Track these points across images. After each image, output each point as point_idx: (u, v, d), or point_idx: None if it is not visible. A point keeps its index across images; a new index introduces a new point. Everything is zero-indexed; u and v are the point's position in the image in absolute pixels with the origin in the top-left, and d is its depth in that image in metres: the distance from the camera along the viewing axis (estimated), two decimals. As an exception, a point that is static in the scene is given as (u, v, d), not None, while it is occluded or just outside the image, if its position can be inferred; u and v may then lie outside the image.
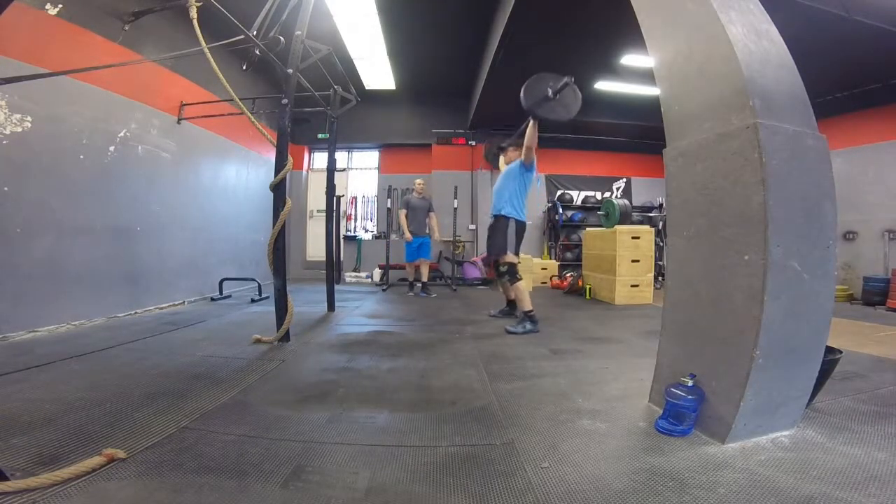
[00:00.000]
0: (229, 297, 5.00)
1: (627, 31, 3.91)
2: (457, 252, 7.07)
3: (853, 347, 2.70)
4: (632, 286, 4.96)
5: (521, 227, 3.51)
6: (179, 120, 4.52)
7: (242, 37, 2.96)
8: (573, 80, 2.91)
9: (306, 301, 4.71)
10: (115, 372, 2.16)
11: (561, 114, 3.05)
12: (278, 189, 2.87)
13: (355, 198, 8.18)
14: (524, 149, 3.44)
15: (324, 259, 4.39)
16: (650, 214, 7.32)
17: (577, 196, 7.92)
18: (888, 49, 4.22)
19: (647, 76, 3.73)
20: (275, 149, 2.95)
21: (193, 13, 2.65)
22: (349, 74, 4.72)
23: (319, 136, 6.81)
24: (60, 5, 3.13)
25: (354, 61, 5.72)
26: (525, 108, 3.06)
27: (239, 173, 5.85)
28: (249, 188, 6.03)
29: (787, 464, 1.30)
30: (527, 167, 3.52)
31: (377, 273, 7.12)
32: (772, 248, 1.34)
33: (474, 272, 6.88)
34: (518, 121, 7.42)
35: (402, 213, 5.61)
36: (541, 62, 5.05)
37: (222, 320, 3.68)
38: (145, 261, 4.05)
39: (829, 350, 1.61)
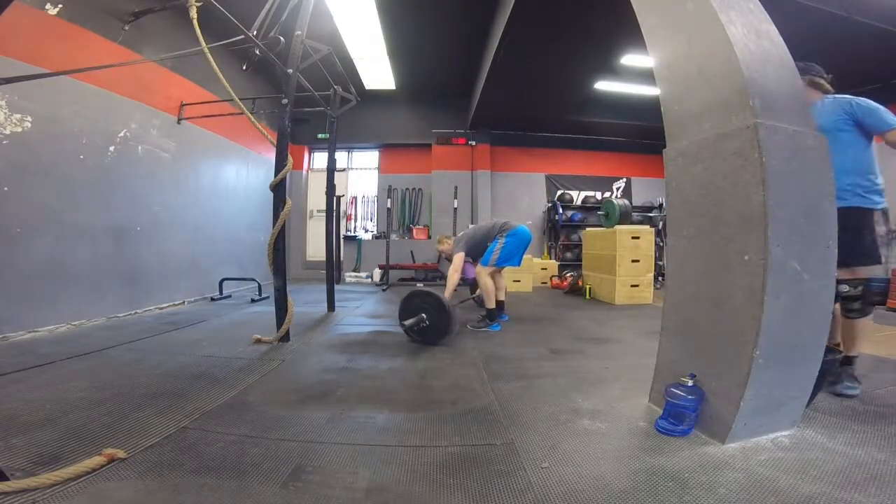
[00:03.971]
0: (229, 297, 5.00)
1: (627, 31, 3.90)
2: (457, 252, 7.06)
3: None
4: (632, 286, 4.96)
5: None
6: (179, 120, 4.52)
7: (242, 37, 2.96)
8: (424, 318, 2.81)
9: (306, 301, 4.71)
10: (115, 372, 2.16)
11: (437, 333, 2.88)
12: (278, 189, 2.87)
13: (355, 198, 8.17)
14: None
15: (324, 259, 4.39)
16: (650, 214, 7.32)
17: (577, 196, 7.92)
18: (888, 49, 4.22)
19: (647, 76, 3.72)
20: (275, 149, 2.95)
21: (193, 13, 2.65)
22: (349, 74, 4.72)
23: (319, 136, 6.83)
24: (60, 5, 3.13)
25: (354, 61, 5.72)
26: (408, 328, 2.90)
27: (239, 173, 5.85)
28: (249, 188, 6.03)
29: (787, 464, 1.30)
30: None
31: (377, 273, 7.12)
32: (772, 248, 1.34)
33: (473, 272, 6.89)
34: (519, 121, 7.44)
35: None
36: (541, 62, 5.08)
37: (222, 320, 3.68)
38: (145, 261, 4.04)
39: (829, 350, 1.61)
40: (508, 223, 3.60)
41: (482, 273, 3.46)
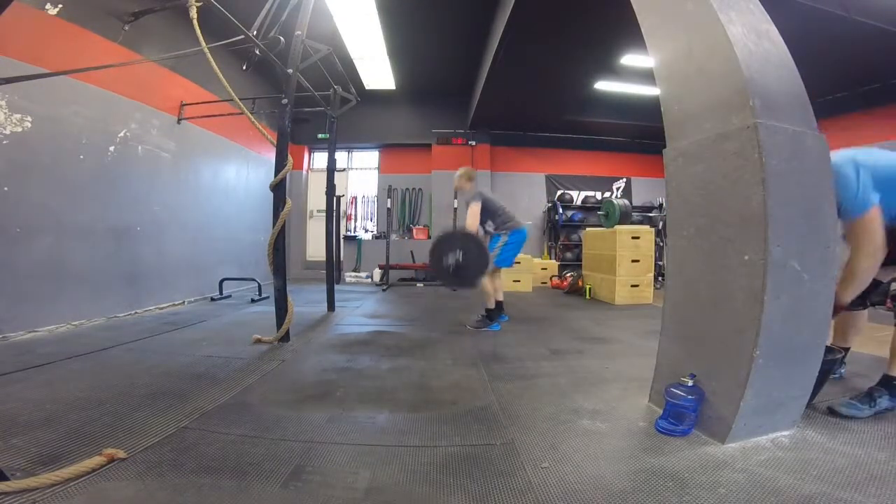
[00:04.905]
0: (229, 297, 5.00)
1: (627, 31, 3.91)
2: (457, 252, 7.06)
3: (853, 347, 2.70)
4: (632, 286, 4.96)
5: None
6: (179, 120, 4.52)
7: (242, 37, 2.96)
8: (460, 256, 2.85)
9: (306, 301, 4.71)
10: (115, 372, 2.16)
11: (475, 269, 2.96)
12: (278, 189, 2.87)
13: (355, 198, 8.17)
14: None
15: (324, 259, 4.39)
16: (650, 214, 7.32)
17: (577, 196, 7.92)
18: (888, 49, 4.22)
19: (647, 76, 3.73)
20: (275, 149, 2.95)
21: (193, 13, 2.65)
22: (349, 74, 4.72)
23: (319, 136, 6.82)
24: (60, 5, 3.13)
25: (354, 61, 5.72)
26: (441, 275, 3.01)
27: (239, 173, 5.85)
28: (249, 188, 6.03)
29: (787, 464, 1.30)
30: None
31: (377, 273, 7.11)
32: (772, 248, 1.34)
33: None
34: (519, 121, 7.45)
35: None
36: (541, 62, 5.08)
37: (222, 320, 3.68)
38: (145, 261, 4.04)
39: (829, 350, 1.61)
40: (516, 220, 3.61)
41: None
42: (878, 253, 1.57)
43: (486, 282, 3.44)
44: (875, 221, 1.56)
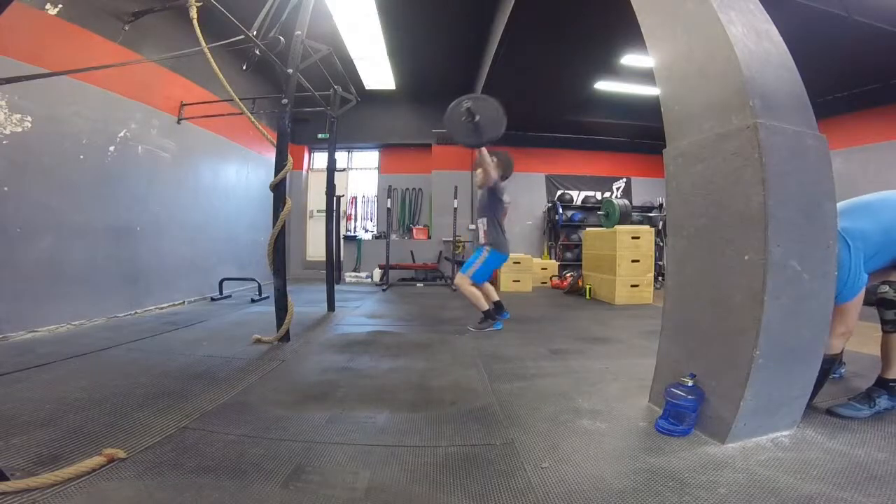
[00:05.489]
0: (229, 297, 5.00)
1: (627, 31, 3.90)
2: (457, 252, 7.07)
3: (853, 347, 2.69)
4: (632, 286, 4.96)
5: None
6: (179, 120, 4.52)
7: (242, 37, 2.96)
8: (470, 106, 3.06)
9: (306, 301, 4.71)
10: (115, 372, 2.16)
11: (490, 132, 3.19)
12: (278, 189, 2.87)
13: (355, 198, 8.18)
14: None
15: (324, 259, 4.39)
16: (650, 214, 7.32)
17: (577, 196, 7.92)
18: (888, 49, 4.22)
19: (647, 76, 3.72)
20: (275, 149, 2.95)
21: (193, 13, 2.65)
22: (349, 74, 4.72)
23: (319, 136, 6.82)
24: (60, 5, 3.13)
25: (354, 61, 5.72)
26: (462, 142, 3.27)
27: (239, 173, 5.85)
28: (249, 188, 6.03)
29: (787, 464, 1.30)
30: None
31: (377, 273, 7.12)
32: (772, 248, 1.34)
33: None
34: (519, 121, 7.45)
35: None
36: (541, 62, 5.09)
37: (222, 320, 3.68)
38: (145, 261, 4.04)
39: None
40: (507, 244, 3.57)
41: (464, 282, 3.45)
42: (848, 334, 1.72)
43: (470, 289, 3.41)
44: (855, 308, 1.70)
